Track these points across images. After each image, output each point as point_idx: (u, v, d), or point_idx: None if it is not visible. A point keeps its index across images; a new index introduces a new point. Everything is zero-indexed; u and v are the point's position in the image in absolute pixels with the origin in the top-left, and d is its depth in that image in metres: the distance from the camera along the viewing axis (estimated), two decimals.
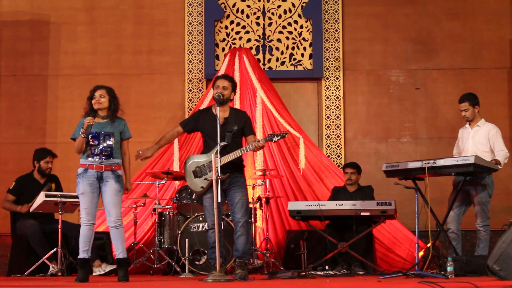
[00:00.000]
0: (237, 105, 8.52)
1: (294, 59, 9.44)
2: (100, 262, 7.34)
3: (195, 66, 9.37)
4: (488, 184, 6.94)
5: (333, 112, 9.27)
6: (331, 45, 9.36)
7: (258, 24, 9.50)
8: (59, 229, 7.11)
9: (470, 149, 7.07)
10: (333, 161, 9.02)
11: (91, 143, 5.99)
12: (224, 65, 8.87)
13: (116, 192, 6.02)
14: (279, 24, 9.48)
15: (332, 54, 9.35)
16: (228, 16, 9.50)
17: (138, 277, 7.03)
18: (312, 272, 6.81)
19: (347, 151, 9.22)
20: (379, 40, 9.41)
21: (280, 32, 9.47)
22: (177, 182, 8.29)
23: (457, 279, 5.65)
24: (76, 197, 6.19)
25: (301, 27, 9.47)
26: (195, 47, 9.40)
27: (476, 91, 7.61)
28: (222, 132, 6.00)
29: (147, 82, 9.39)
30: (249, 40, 9.47)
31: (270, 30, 9.49)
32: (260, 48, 9.47)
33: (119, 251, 6.04)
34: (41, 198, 7.27)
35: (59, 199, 7.21)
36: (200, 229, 7.36)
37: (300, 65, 9.43)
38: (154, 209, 7.64)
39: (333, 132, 9.24)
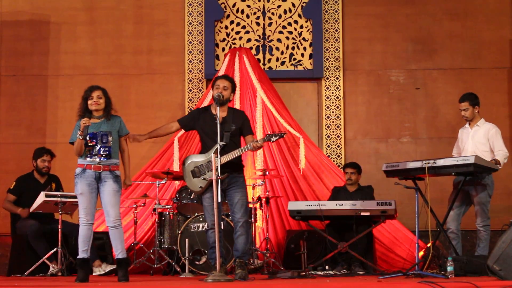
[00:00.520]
0: (237, 105, 8.52)
1: (294, 59, 9.44)
2: (100, 262, 7.34)
3: (195, 66, 9.37)
4: (488, 184, 6.93)
5: (333, 112, 9.27)
6: (331, 45, 9.36)
7: (258, 24, 9.49)
8: (59, 229, 7.11)
9: (470, 149, 7.06)
10: (333, 161, 9.02)
11: (89, 144, 6.00)
12: (224, 65, 8.86)
13: (114, 192, 6.02)
14: (279, 24, 9.48)
15: (332, 54, 9.34)
16: (228, 16, 9.50)
17: (138, 277, 7.02)
18: (312, 272, 6.80)
19: (347, 151, 9.22)
20: (379, 40, 9.41)
21: (280, 32, 9.47)
22: (177, 182, 8.29)
23: (457, 279, 5.66)
24: (76, 197, 6.18)
25: (301, 27, 9.47)
26: (195, 47, 9.40)
27: (476, 91, 7.60)
28: (221, 132, 5.98)
29: (147, 82, 9.39)
30: (249, 40, 9.46)
31: (270, 30, 9.48)
32: (260, 48, 9.47)
33: (118, 251, 6.05)
34: (41, 198, 7.27)
35: (59, 199, 7.22)
36: (200, 229, 7.36)
37: (300, 65, 9.43)
38: (154, 209, 7.64)
39: (333, 132, 9.24)
